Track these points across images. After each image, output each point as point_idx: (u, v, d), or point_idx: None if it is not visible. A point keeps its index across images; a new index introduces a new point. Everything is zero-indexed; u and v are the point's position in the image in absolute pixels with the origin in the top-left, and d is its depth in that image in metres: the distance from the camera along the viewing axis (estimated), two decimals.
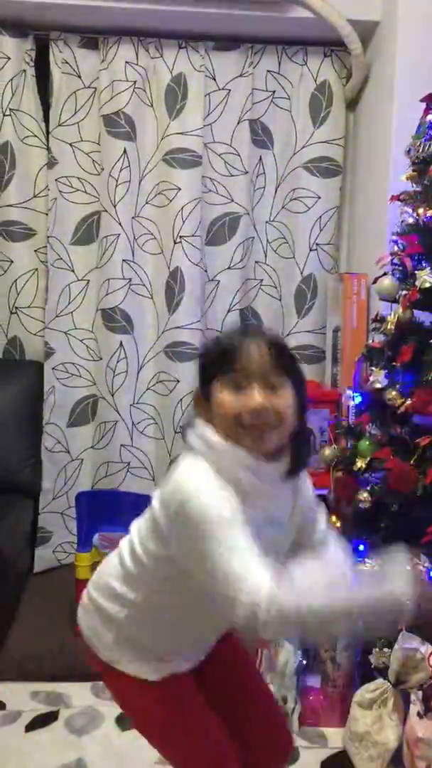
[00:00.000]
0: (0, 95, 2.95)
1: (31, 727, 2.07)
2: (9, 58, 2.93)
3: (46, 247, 3.05)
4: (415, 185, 2.22)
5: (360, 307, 2.84)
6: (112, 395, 3.03)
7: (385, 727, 1.90)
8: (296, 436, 1.29)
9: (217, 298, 3.12)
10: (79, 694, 2.21)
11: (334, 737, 2.06)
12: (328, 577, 1.17)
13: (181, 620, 1.33)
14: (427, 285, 2.06)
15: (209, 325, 3.11)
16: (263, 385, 1.22)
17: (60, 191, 3.01)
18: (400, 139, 2.44)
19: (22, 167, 3.02)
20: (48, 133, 3.01)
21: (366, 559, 1.77)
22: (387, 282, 2.22)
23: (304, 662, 2.11)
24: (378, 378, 2.17)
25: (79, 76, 2.98)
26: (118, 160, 2.97)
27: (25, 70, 2.96)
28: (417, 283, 2.08)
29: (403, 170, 2.29)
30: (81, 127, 3.01)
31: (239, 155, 3.04)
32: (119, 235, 2.99)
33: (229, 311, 3.12)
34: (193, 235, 2.99)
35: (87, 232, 3.07)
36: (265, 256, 3.17)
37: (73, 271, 3.06)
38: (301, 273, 3.16)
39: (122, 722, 2.08)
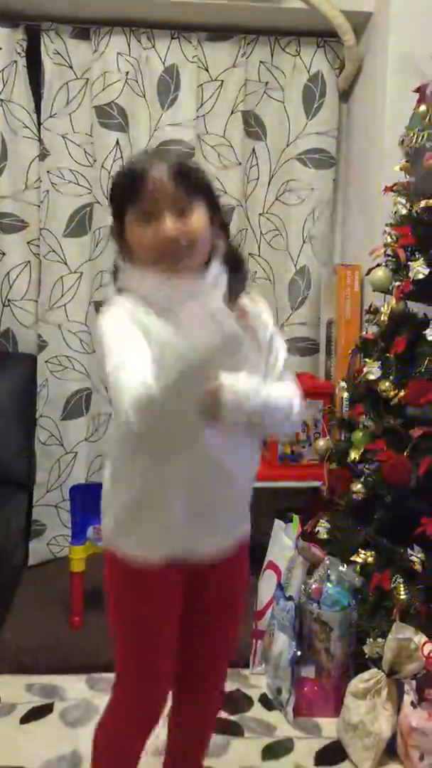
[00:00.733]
0: None
1: (26, 719, 2.07)
2: (0, 49, 2.90)
3: (38, 239, 3.04)
4: (408, 176, 2.22)
5: (354, 298, 2.84)
6: (106, 388, 3.03)
7: (379, 716, 1.91)
8: (226, 255, 1.27)
9: None
10: (73, 687, 2.21)
11: (329, 727, 2.07)
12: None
13: (151, 488, 1.28)
14: (421, 276, 2.06)
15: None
16: (172, 211, 1.19)
17: (52, 183, 2.99)
18: (393, 129, 2.44)
19: (13, 159, 3.00)
20: (40, 124, 2.99)
21: None
22: (380, 273, 2.22)
23: (299, 653, 2.11)
24: (371, 369, 2.17)
25: (71, 67, 2.96)
26: (111, 152, 2.95)
27: (16, 61, 2.94)
28: (410, 274, 2.09)
29: (396, 161, 2.29)
30: (73, 118, 2.99)
31: (232, 147, 3.03)
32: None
33: None
34: None
35: (80, 224, 3.05)
36: (259, 248, 3.16)
37: (65, 263, 3.04)
38: (295, 265, 3.15)
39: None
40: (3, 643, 2.40)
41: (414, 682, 1.89)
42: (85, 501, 2.49)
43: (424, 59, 2.45)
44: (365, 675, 1.98)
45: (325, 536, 2.31)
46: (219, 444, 1.27)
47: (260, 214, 3.14)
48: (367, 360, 2.24)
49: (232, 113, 3.02)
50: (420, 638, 1.91)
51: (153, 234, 1.20)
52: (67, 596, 2.53)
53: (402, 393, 2.07)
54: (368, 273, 2.28)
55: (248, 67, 3.02)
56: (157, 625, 1.37)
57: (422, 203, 2.09)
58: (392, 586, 2.02)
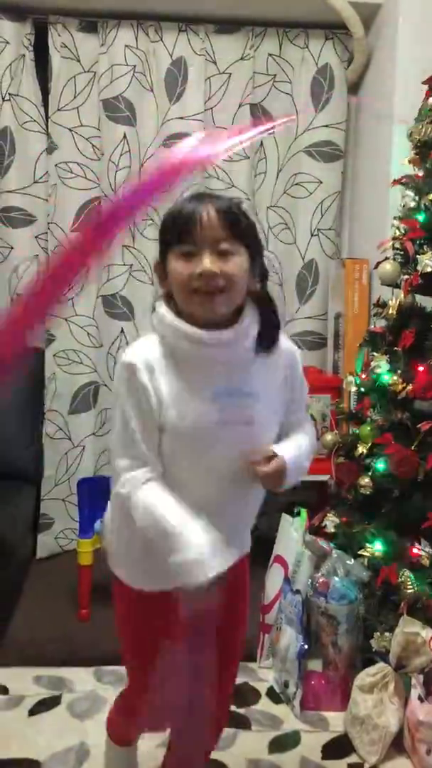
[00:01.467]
0: None
1: (34, 711, 2.08)
2: (8, 43, 2.90)
3: (46, 233, 3.04)
4: (417, 169, 2.21)
5: (361, 292, 2.83)
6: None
7: (386, 710, 1.91)
8: (260, 305, 1.33)
9: None
10: (81, 679, 2.22)
11: (336, 721, 2.07)
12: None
13: None
14: (429, 269, 2.05)
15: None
16: (213, 251, 1.24)
17: (60, 177, 2.99)
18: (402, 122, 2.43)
19: (21, 153, 3.00)
20: (47, 118, 2.99)
21: None
22: (388, 267, 2.21)
23: (306, 647, 2.11)
24: (379, 363, 2.17)
25: (79, 60, 2.96)
26: (118, 145, 2.95)
27: (24, 55, 2.94)
28: (418, 267, 2.08)
29: (404, 154, 2.27)
30: (80, 111, 2.98)
31: None
32: None
33: None
34: None
35: (88, 217, 3.05)
36: (267, 242, 3.15)
37: None
38: (303, 258, 3.14)
39: None
40: (11, 635, 2.41)
41: (421, 676, 1.89)
42: (93, 494, 2.49)
43: None
44: (372, 669, 1.98)
45: (333, 530, 2.31)
46: (231, 499, 1.38)
47: (268, 208, 3.13)
48: (375, 354, 2.23)
49: (240, 106, 3.01)
50: (427, 632, 1.91)
51: (192, 269, 1.24)
52: (75, 589, 2.54)
53: (410, 387, 2.06)
54: (376, 266, 2.27)
55: (256, 60, 3.01)
56: (157, 643, 1.39)
57: (431, 196, 2.08)
58: (400, 580, 2.01)
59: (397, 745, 1.93)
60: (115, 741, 1.71)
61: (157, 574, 1.31)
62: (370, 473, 2.18)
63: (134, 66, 2.94)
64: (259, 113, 3.06)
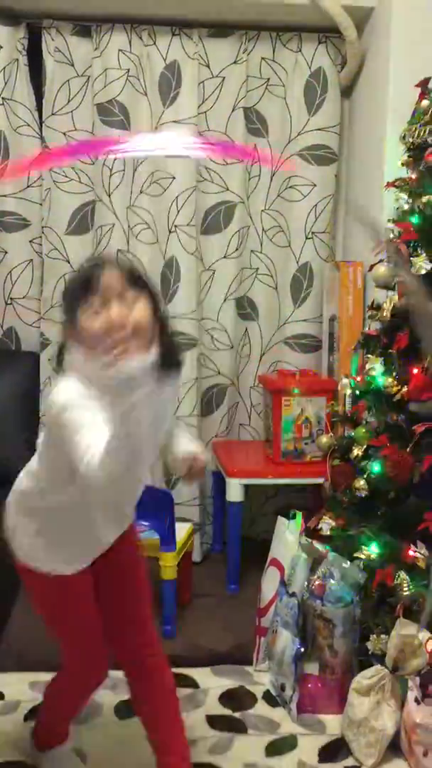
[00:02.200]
0: None
1: (29, 716, 2.07)
2: (1, 47, 2.91)
3: (40, 237, 3.04)
4: (410, 171, 2.21)
5: (356, 295, 2.83)
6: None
7: (383, 713, 1.91)
8: (162, 340, 1.44)
9: (212, 287, 3.11)
10: None
11: (332, 724, 2.06)
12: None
13: (77, 515, 1.52)
14: (423, 271, 2.05)
15: (205, 314, 3.11)
16: (119, 302, 1.38)
17: (54, 181, 2.99)
18: (395, 125, 2.43)
19: (15, 157, 3.00)
20: (41, 122, 2.99)
21: None
22: (383, 269, 2.22)
23: (302, 649, 2.11)
24: (374, 365, 2.17)
25: (72, 65, 2.97)
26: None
27: (17, 59, 2.95)
28: (413, 269, 2.08)
29: (398, 156, 2.28)
30: (74, 115, 2.99)
31: (234, 143, 3.03)
32: (114, 224, 2.98)
33: (225, 300, 3.11)
34: (188, 224, 2.98)
35: (82, 222, 3.05)
36: (261, 245, 3.16)
37: (68, 261, 3.04)
38: (297, 261, 3.15)
39: (121, 711, 2.08)
40: (7, 640, 2.40)
41: (418, 679, 1.89)
42: None
43: (426, 54, 2.44)
44: (369, 671, 1.97)
45: (329, 533, 2.30)
46: (128, 494, 1.59)
47: (262, 211, 3.14)
48: (369, 356, 2.23)
49: (233, 110, 3.02)
50: (423, 634, 1.90)
51: (103, 320, 1.36)
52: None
53: (405, 389, 2.07)
54: (371, 269, 2.28)
55: (249, 64, 3.01)
56: (84, 610, 1.64)
57: (424, 198, 2.09)
58: (396, 582, 2.01)
59: (394, 748, 1.93)
60: (48, 742, 1.84)
61: (60, 560, 1.56)
62: (365, 475, 2.18)
63: (128, 70, 2.95)
64: (252, 116, 3.06)
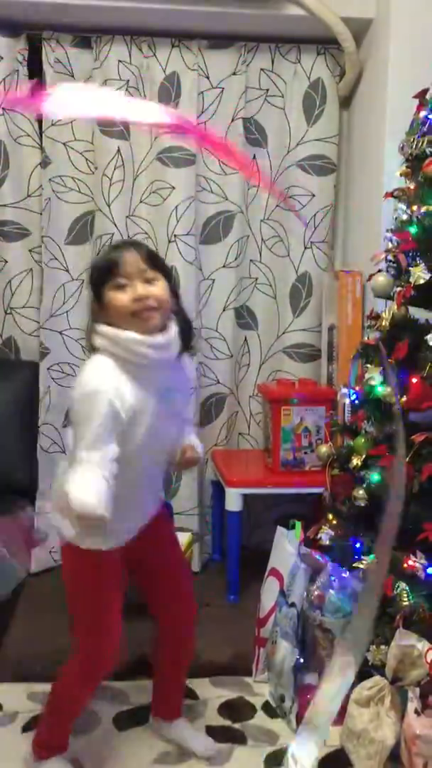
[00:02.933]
0: None
1: (28, 727, 2.06)
2: (1, 58, 2.92)
3: (40, 246, 3.04)
4: (408, 181, 2.22)
5: (355, 304, 2.83)
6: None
7: (383, 724, 1.90)
8: (179, 318, 1.67)
9: (211, 297, 3.11)
10: None
11: (332, 735, 2.05)
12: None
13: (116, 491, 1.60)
14: (422, 281, 2.06)
15: (204, 324, 3.11)
16: (141, 280, 1.59)
17: (54, 191, 3.00)
18: (394, 136, 2.44)
19: (15, 167, 3.02)
20: (41, 132, 3.00)
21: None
22: (381, 279, 2.22)
23: (302, 660, 2.10)
24: (373, 375, 2.17)
25: (72, 76, 2.98)
26: (112, 159, 2.96)
27: (17, 70, 2.96)
28: (411, 279, 2.08)
29: (396, 167, 2.29)
30: (74, 126, 3.00)
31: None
32: (113, 234, 2.99)
33: (224, 310, 3.11)
34: (187, 234, 2.99)
35: (81, 231, 3.06)
36: (260, 255, 3.16)
37: (67, 270, 3.05)
38: (296, 271, 3.15)
39: (119, 722, 2.07)
40: (5, 650, 2.40)
41: (418, 690, 1.88)
42: None
43: (424, 66, 2.46)
44: (368, 682, 1.96)
45: (328, 543, 2.30)
46: (156, 470, 1.82)
47: (261, 221, 3.15)
48: (368, 366, 2.23)
49: (232, 120, 3.03)
50: (423, 645, 1.90)
51: (129, 295, 1.58)
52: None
53: (404, 398, 2.06)
54: (369, 278, 2.28)
55: (249, 75, 3.03)
56: (109, 591, 1.76)
57: (423, 208, 2.09)
58: (395, 592, 2.00)
59: (394, 759, 1.92)
60: (48, 751, 1.86)
61: (98, 535, 1.66)
62: (364, 485, 2.17)
63: (127, 81, 2.96)
64: (252, 127, 3.08)
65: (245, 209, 3.11)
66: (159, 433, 1.65)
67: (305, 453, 2.81)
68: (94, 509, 1.48)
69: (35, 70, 2.97)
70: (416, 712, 1.85)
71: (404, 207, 2.19)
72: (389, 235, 2.23)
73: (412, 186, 2.20)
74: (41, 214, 3.03)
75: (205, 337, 3.12)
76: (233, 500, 2.73)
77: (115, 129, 2.96)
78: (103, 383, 1.55)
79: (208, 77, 3.01)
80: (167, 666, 1.98)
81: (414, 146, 2.17)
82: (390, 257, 2.22)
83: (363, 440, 2.21)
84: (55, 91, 1.26)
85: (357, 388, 2.31)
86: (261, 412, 3.16)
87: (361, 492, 2.17)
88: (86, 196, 3.04)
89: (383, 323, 2.18)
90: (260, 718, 2.14)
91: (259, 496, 3.01)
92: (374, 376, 2.17)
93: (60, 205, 3.01)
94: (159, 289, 1.60)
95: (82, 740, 1.99)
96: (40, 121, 3.01)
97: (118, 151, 2.97)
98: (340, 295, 2.84)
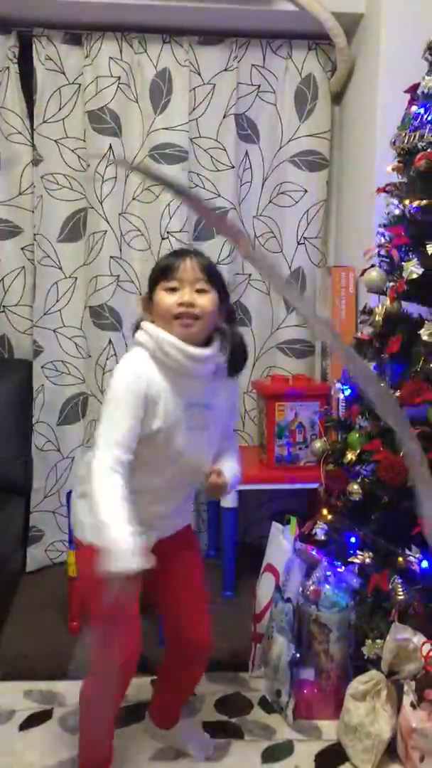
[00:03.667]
0: None
1: (24, 726, 2.06)
2: None
3: (32, 244, 3.04)
4: (400, 176, 2.22)
5: (348, 300, 2.84)
6: (102, 393, 3.02)
7: (379, 718, 1.90)
8: (232, 340, 1.69)
9: None
10: (72, 693, 2.18)
11: (329, 730, 2.06)
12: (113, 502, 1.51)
13: (146, 495, 1.64)
14: (414, 276, 2.06)
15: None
16: (191, 288, 1.61)
17: (46, 188, 2.99)
18: (385, 130, 2.44)
19: (7, 165, 3.01)
20: (33, 130, 3.00)
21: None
22: (374, 274, 2.22)
23: (298, 655, 2.11)
24: None
25: (63, 72, 2.97)
26: (104, 156, 2.95)
27: (8, 67, 2.95)
28: (404, 274, 2.09)
29: (388, 162, 2.29)
30: (66, 123, 2.99)
31: (225, 150, 3.04)
32: (106, 231, 2.99)
33: None
34: (180, 231, 2.99)
35: (74, 229, 3.06)
36: (253, 249, 3.15)
37: (60, 268, 3.05)
38: (290, 267, 3.16)
39: (117, 720, 2.08)
40: (1, 649, 2.40)
41: (413, 683, 1.89)
42: None
43: (415, 60, 2.45)
44: (364, 676, 1.97)
45: (323, 538, 2.30)
46: (180, 485, 1.76)
47: (254, 217, 3.15)
48: None
49: (224, 117, 3.02)
50: (419, 639, 1.90)
51: (175, 300, 1.61)
52: (66, 602, 2.53)
53: (398, 393, 2.07)
54: (362, 274, 2.28)
55: (240, 71, 3.02)
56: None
57: (415, 203, 2.09)
58: (390, 586, 2.01)
59: (391, 753, 1.93)
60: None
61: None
62: (359, 480, 2.18)
63: (119, 77, 2.95)
64: (243, 123, 3.07)
65: (238, 205, 3.10)
66: (184, 446, 1.65)
67: (300, 449, 2.81)
68: (128, 562, 1.44)
69: (26, 67, 2.96)
70: (412, 705, 1.86)
71: (396, 202, 2.19)
72: (382, 230, 2.23)
73: (404, 181, 2.20)
74: (33, 211, 3.02)
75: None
76: (228, 496, 2.73)
77: (106, 126, 2.95)
78: (141, 371, 1.59)
79: (199, 73, 3.00)
80: (170, 683, 1.95)
81: (405, 141, 2.17)
82: (383, 252, 2.22)
83: (357, 435, 2.22)
84: None
85: (351, 383, 2.32)
86: (255, 408, 3.16)
87: (355, 487, 2.18)
88: (78, 194, 3.04)
89: (376, 318, 2.19)
90: (257, 713, 2.15)
91: (254, 492, 3.01)
92: None
93: (52, 203, 3.01)
94: (206, 300, 1.62)
95: (78, 738, 1.99)
96: (31, 119, 3.00)
97: (110, 148, 2.96)
98: (334, 291, 2.84)
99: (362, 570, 2.12)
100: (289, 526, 2.37)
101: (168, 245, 2.97)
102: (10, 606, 2.67)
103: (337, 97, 3.14)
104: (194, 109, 3.01)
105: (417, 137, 2.14)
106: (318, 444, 2.46)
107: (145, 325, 1.65)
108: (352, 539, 2.20)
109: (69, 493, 2.58)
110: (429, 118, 2.11)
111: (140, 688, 2.13)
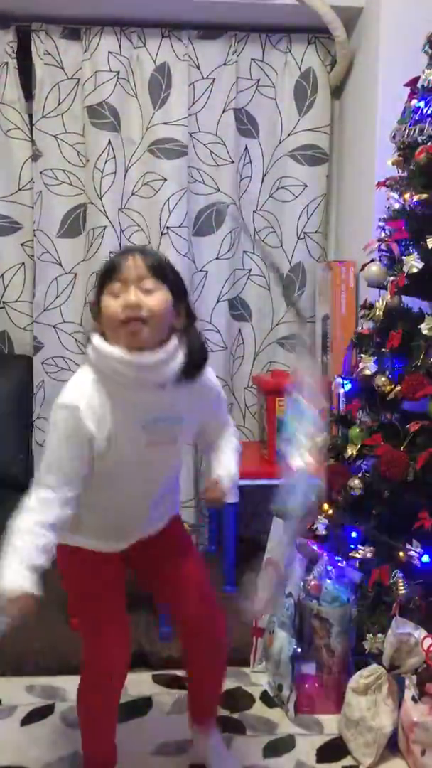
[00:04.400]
0: None
1: (26, 721, 2.07)
2: None
3: (32, 240, 3.03)
4: (400, 170, 2.22)
5: (349, 294, 2.83)
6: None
7: (381, 712, 1.91)
8: (189, 339, 1.53)
9: (205, 289, 3.10)
10: (74, 688, 2.16)
11: (330, 724, 2.06)
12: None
13: (105, 510, 1.60)
14: (415, 270, 2.06)
15: (198, 316, 3.08)
16: (138, 288, 1.44)
17: (45, 184, 2.99)
18: (386, 124, 2.44)
19: (6, 160, 3.01)
20: (32, 125, 2.99)
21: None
22: (375, 268, 2.22)
23: (299, 650, 2.11)
24: (367, 365, 2.17)
25: (62, 67, 2.96)
26: (103, 152, 2.95)
27: (7, 62, 2.94)
28: (404, 268, 2.08)
29: (388, 156, 2.28)
30: (65, 118, 2.99)
31: (225, 144, 3.03)
32: (106, 227, 2.98)
33: (218, 302, 3.11)
34: (180, 226, 2.98)
35: (73, 224, 3.05)
36: (253, 246, 3.15)
37: (60, 264, 3.04)
38: (290, 262, 3.15)
39: (118, 714, 2.08)
40: (3, 645, 2.39)
41: (415, 677, 1.89)
42: None
43: (415, 53, 2.44)
44: (366, 671, 1.97)
45: (324, 532, 2.30)
46: (153, 493, 1.65)
47: (254, 212, 3.14)
48: (362, 355, 2.23)
49: (224, 111, 3.02)
50: (420, 633, 1.90)
51: (120, 302, 1.44)
52: (66, 597, 2.52)
53: (398, 387, 2.07)
54: (363, 268, 2.28)
55: (239, 65, 3.02)
56: (111, 589, 1.69)
57: (415, 197, 2.09)
58: (391, 581, 2.01)
59: (392, 747, 1.93)
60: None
61: (104, 540, 1.63)
62: (360, 475, 2.18)
63: (118, 72, 2.94)
64: (243, 118, 3.06)
65: (237, 200, 3.10)
66: (148, 461, 1.54)
67: None
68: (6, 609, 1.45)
69: (25, 62, 2.95)
70: (413, 699, 1.86)
71: (396, 196, 2.18)
72: (382, 224, 2.23)
73: (404, 175, 2.20)
74: (33, 207, 3.02)
75: (199, 329, 3.10)
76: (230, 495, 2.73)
77: (105, 121, 2.94)
78: (77, 401, 1.45)
79: (198, 68, 2.99)
80: (189, 670, 1.87)
81: (406, 135, 2.16)
82: (383, 246, 2.22)
83: (358, 430, 2.22)
84: None
85: (351, 378, 2.31)
86: (256, 404, 3.16)
87: (356, 481, 2.18)
88: (78, 189, 3.03)
89: (377, 313, 2.19)
90: (259, 708, 2.15)
91: (255, 487, 3.00)
92: (368, 366, 2.17)
93: (51, 198, 3.00)
94: (154, 300, 1.44)
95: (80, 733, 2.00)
96: (30, 114, 2.99)
97: (109, 143, 2.95)
98: (334, 285, 2.83)
99: (363, 564, 2.12)
100: None
101: (168, 241, 2.97)
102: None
103: (337, 91, 3.13)
104: (193, 104, 3.01)
105: (417, 131, 2.13)
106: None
107: (93, 338, 1.49)
108: (353, 534, 2.20)
109: None
110: (429, 112, 2.11)
111: (140, 683, 2.13)
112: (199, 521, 3.13)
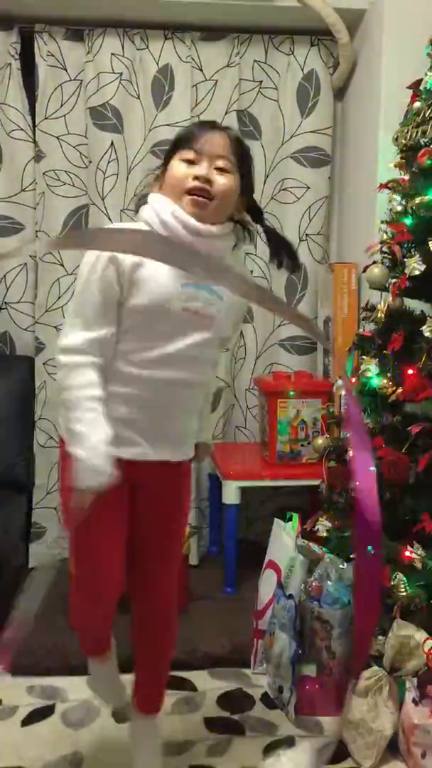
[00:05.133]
0: None
1: (27, 721, 2.07)
2: None
3: (34, 241, 3.03)
4: (403, 173, 2.22)
5: (350, 296, 2.83)
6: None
7: (381, 714, 1.91)
8: (256, 231, 1.55)
9: None
10: (74, 688, 2.20)
11: (330, 726, 2.06)
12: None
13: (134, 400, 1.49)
14: (417, 272, 2.06)
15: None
16: (212, 164, 1.41)
17: (48, 185, 2.99)
18: (388, 127, 2.44)
19: (8, 161, 3.01)
20: (34, 126, 2.99)
21: None
22: (377, 270, 2.22)
23: (300, 651, 2.11)
24: (369, 367, 2.17)
25: (65, 69, 2.97)
26: (106, 153, 2.95)
27: (10, 64, 2.94)
28: (406, 270, 2.08)
29: (391, 158, 2.29)
30: (67, 119, 2.99)
31: None
32: None
33: None
34: None
35: (76, 225, 3.05)
36: (255, 247, 3.15)
37: (62, 265, 3.04)
38: None
39: (118, 715, 2.08)
40: (4, 645, 2.40)
41: (415, 680, 1.89)
42: None
43: (418, 56, 2.45)
44: (366, 673, 1.97)
45: (325, 534, 2.30)
46: (182, 395, 1.53)
47: None
48: (364, 357, 2.23)
49: (226, 113, 3.02)
50: (421, 635, 1.91)
51: (191, 170, 1.41)
52: (68, 598, 2.52)
53: (400, 390, 2.07)
54: (365, 270, 2.28)
55: (242, 67, 3.02)
56: (108, 523, 1.51)
57: (417, 199, 2.09)
58: (392, 583, 2.01)
59: (393, 749, 1.93)
60: (87, 652, 1.78)
61: (117, 428, 1.46)
62: None
63: (121, 74, 2.95)
64: (245, 119, 3.07)
65: None
66: (182, 332, 1.45)
67: (302, 445, 2.81)
68: (96, 480, 1.35)
69: (28, 64, 2.96)
70: (414, 701, 1.86)
71: (399, 198, 2.19)
72: (384, 226, 2.23)
73: (406, 177, 2.20)
74: (35, 208, 3.02)
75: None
76: (230, 493, 2.73)
77: (108, 122, 2.95)
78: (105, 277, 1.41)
79: (201, 69, 3.00)
80: (136, 650, 1.77)
81: (408, 137, 2.17)
82: (385, 249, 2.22)
83: None
84: None
85: (353, 380, 2.31)
86: (257, 405, 3.16)
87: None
88: (80, 190, 3.03)
89: (379, 315, 2.19)
90: (259, 710, 2.15)
91: (256, 489, 3.01)
92: (370, 368, 2.17)
93: (54, 199, 3.01)
94: (225, 180, 1.41)
95: (81, 733, 2.00)
96: (33, 115, 3.00)
97: (112, 144, 2.96)
98: (336, 287, 2.84)
99: None
100: (291, 523, 2.38)
101: None
102: (12, 603, 2.67)
103: (340, 93, 3.14)
104: (196, 106, 3.01)
105: (419, 133, 2.13)
106: (320, 441, 2.46)
107: (151, 196, 1.46)
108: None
109: None
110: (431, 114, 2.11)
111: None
112: (200, 523, 3.13)
